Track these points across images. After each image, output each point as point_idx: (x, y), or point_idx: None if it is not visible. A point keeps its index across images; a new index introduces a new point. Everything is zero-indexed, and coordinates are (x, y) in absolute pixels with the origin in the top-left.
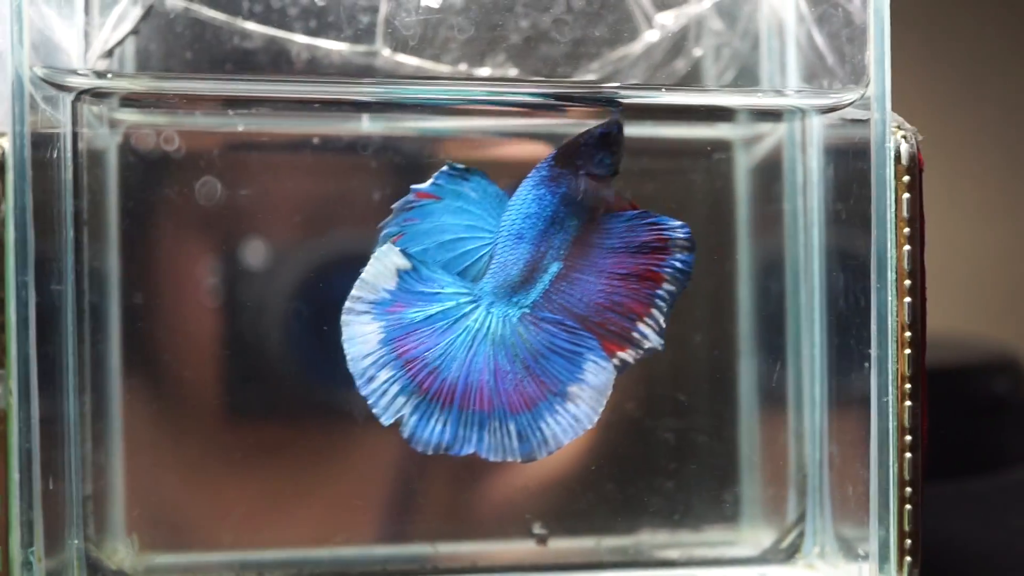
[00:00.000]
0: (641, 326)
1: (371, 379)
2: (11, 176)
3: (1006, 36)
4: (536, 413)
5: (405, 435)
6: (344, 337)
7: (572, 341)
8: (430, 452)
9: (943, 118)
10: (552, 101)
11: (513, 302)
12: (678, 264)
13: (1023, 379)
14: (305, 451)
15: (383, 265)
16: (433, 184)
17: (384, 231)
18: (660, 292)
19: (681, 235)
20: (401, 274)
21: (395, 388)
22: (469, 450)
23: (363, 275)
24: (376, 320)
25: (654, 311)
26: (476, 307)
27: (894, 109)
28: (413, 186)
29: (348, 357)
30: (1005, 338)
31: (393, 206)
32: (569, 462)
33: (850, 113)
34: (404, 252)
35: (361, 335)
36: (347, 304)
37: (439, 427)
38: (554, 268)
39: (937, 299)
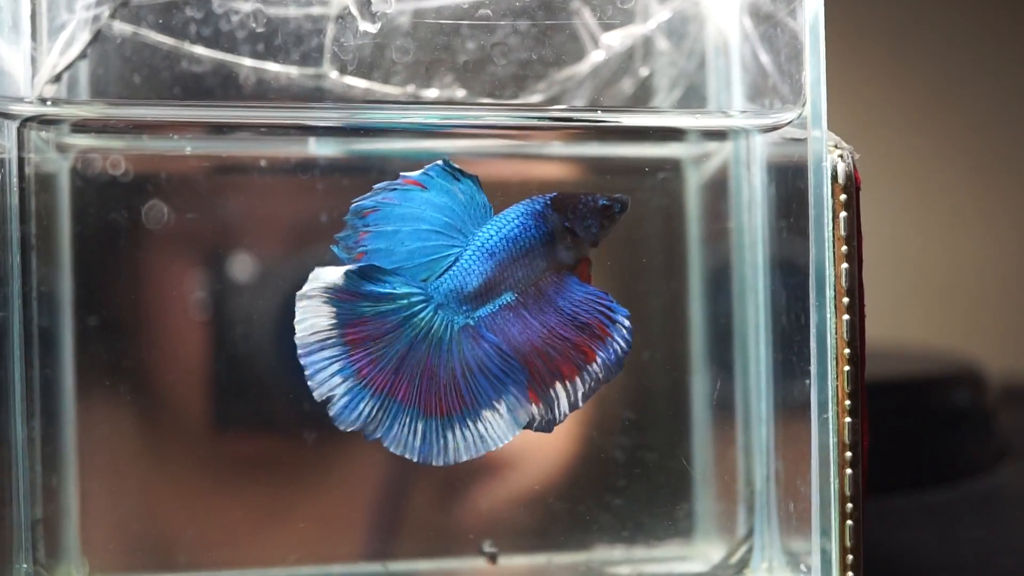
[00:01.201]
0: (559, 387)
1: (313, 353)
2: None
3: (950, 51)
4: (446, 422)
5: (332, 413)
6: (299, 312)
7: (502, 368)
8: (348, 431)
9: (906, 132)
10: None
11: (461, 310)
12: (612, 358)
13: (982, 390)
14: (259, 470)
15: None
16: (423, 174)
17: (357, 203)
18: (590, 368)
19: (620, 338)
20: (350, 274)
21: (334, 367)
22: (376, 436)
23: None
24: (330, 305)
25: (578, 380)
26: (425, 306)
27: (837, 128)
28: (402, 173)
29: (298, 329)
30: (965, 349)
31: (376, 186)
32: (521, 479)
33: (789, 132)
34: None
35: (315, 314)
36: (306, 287)
37: (365, 411)
38: (508, 297)
39: (899, 311)
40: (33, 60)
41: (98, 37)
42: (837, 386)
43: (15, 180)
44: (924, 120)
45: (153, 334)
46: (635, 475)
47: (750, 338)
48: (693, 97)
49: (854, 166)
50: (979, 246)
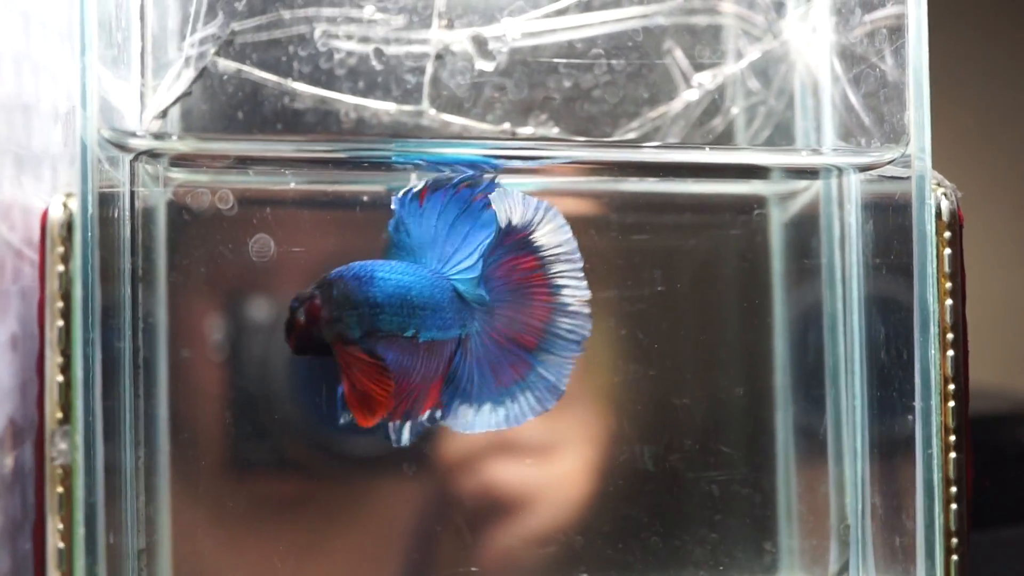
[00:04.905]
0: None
1: None
2: (79, 235)
3: None
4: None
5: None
6: None
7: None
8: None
9: (985, 172)
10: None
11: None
12: None
13: None
14: (351, 504)
15: None
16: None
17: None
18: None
19: None
20: None
21: None
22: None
23: None
24: None
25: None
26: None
27: (935, 165)
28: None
29: None
30: None
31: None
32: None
33: (889, 170)
34: None
35: None
36: None
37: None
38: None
39: (974, 350)
40: (140, 96)
41: (203, 74)
42: (941, 421)
43: (127, 213)
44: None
45: (247, 366)
46: (719, 509)
47: (842, 374)
48: (782, 136)
49: (957, 204)
50: None
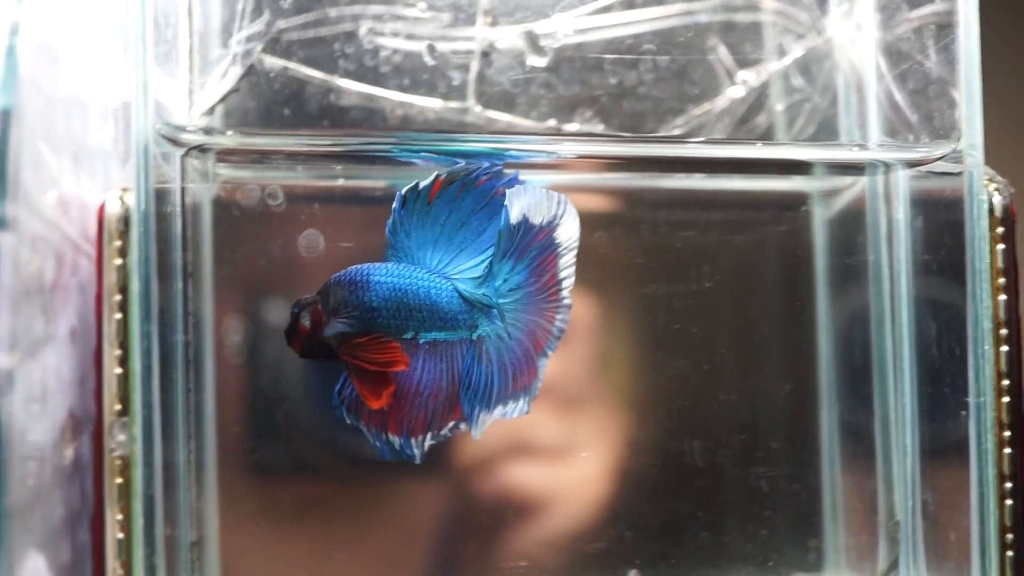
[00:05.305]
0: None
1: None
2: (136, 230)
3: None
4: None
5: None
6: None
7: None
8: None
9: None
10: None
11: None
12: None
13: None
14: (401, 502)
15: None
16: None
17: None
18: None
19: None
20: None
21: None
22: None
23: None
24: None
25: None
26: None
27: (987, 161)
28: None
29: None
30: None
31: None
32: (652, 506)
33: (939, 166)
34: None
35: None
36: None
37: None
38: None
39: None
40: (189, 93)
41: (251, 71)
42: (995, 417)
43: (179, 209)
44: None
45: (290, 360)
46: (765, 505)
47: (890, 370)
48: (825, 133)
49: (1010, 199)
50: None
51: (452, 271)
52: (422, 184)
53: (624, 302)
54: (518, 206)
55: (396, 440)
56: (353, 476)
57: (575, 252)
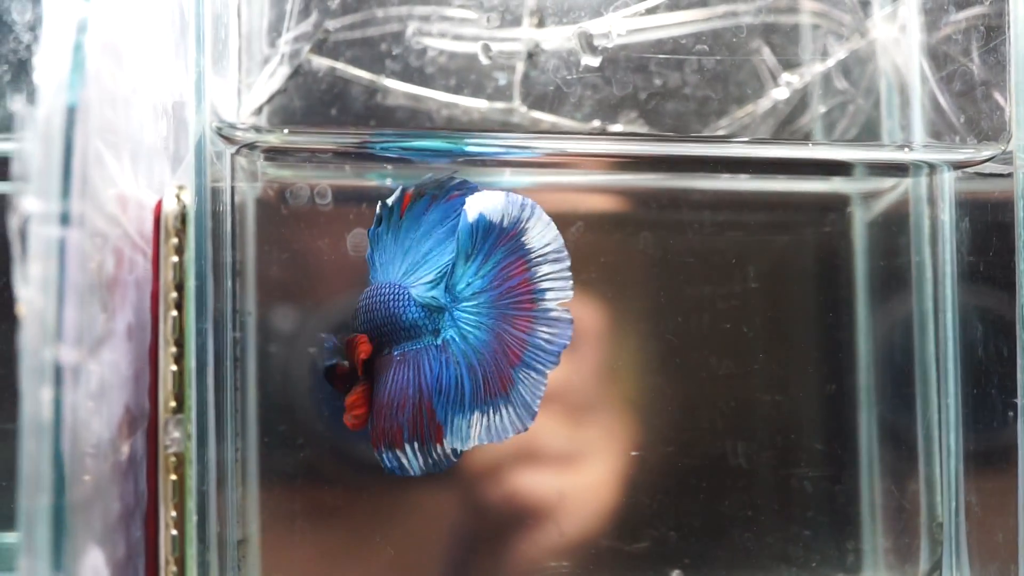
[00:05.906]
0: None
1: None
2: (192, 228)
3: None
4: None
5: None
6: None
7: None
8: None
9: None
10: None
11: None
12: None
13: None
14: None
15: None
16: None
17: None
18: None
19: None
20: None
21: None
22: None
23: None
24: None
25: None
26: None
27: None
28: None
29: None
30: None
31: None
32: (695, 506)
33: (987, 168)
34: None
35: None
36: None
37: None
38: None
39: None
40: (238, 92)
41: (298, 71)
42: None
43: (229, 207)
44: None
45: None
46: (807, 506)
47: (932, 371)
48: (868, 135)
49: None
50: None
51: (413, 280)
52: (391, 200)
53: (666, 303)
54: (477, 208)
55: (386, 454)
56: (382, 481)
57: (563, 264)
